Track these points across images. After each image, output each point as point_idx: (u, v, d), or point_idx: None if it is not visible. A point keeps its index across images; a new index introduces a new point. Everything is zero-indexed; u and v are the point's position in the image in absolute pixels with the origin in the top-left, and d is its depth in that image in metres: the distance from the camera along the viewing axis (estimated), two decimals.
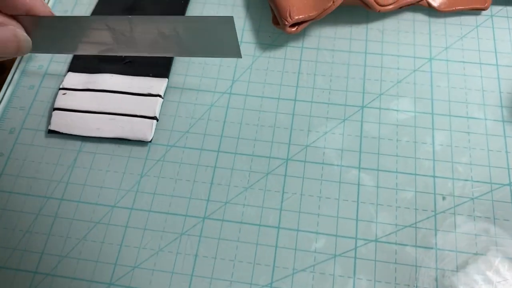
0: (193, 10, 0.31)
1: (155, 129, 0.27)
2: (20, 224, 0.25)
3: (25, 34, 0.23)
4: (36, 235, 0.24)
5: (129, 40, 0.24)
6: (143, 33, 0.24)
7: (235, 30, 0.23)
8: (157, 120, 0.26)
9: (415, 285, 0.22)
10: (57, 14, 0.30)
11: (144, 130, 0.26)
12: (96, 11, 0.31)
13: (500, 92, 0.27)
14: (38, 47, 0.25)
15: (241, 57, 0.24)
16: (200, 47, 0.24)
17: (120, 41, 0.24)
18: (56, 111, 0.27)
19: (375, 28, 0.30)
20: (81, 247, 0.24)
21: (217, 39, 0.23)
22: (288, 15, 0.27)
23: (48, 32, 0.24)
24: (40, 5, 0.24)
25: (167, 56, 0.27)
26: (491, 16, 0.30)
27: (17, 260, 0.24)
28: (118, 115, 0.26)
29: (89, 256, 0.24)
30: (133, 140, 0.26)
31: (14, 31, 0.23)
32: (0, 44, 0.22)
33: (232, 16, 0.22)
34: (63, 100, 0.27)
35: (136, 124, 0.26)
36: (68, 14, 0.31)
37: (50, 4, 0.32)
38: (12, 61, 0.30)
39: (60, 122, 0.27)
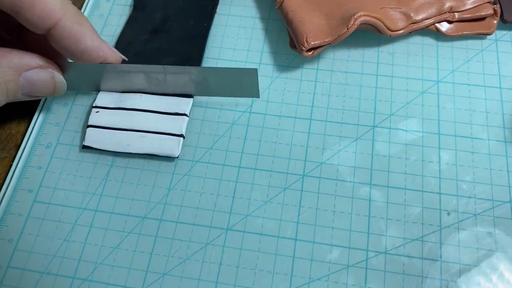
0: (215, 32, 0.33)
1: (182, 145, 0.29)
2: (58, 233, 0.27)
3: (61, 77, 0.26)
4: (74, 243, 0.27)
5: (161, 83, 0.27)
6: (175, 79, 0.27)
7: (257, 78, 0.27)
8: (184, 138, 0.29)
9: None
10: None
11: (172, 146, 0.28)
12: (124, 32, 0.33)
13: (503, 114, 0.29)
14: (72, 86, 0.27)
15: (259, 97, 0.27)
16: (225, 90, 0.27)
17: (153, 84, 0.27)
18: (89, 128, 0.29)
19: (385, 51, 0.31)
20: (115, 255, 0.26)
21: (241, 84, 0.27)
22: (305, 40, 0.29)
23: (84, 74, 0.27)
24: (110, 55, 0.26)
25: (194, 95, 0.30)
26: (496, 40, 0.31)
27: (57, 266, 0.26)
28: (147, 132, 0.28)
29: (122, 263, 0.26)
30: (161, 156, 0.28)
31: (52, 74, 0.25)
32: (39, 85, 0.25)
33: (256, 68, 0.26)
34: (96, 117, 0.29)
35: (165, 141, 0.28)
36: None
37: None
38: None
39: (93, 138, 0.29)
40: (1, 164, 0.29)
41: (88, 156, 0.29)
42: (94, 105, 0.30)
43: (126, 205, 0.27)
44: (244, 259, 0.26)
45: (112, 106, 0.29)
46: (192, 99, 0.30)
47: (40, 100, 0.31)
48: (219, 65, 0.32)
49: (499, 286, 0.24)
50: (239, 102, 0.30)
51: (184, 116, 0.29)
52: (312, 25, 0.29)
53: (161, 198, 0.28)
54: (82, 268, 0.26)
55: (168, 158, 0.29)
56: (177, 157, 0.28)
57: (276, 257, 0.26)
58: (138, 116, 0.29)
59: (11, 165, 0.29)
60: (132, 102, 0.29)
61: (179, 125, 0.29)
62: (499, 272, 0.25)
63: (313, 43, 0.29)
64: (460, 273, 0.25)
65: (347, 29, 0.29)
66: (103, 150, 0.29)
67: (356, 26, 0.28)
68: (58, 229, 0.27)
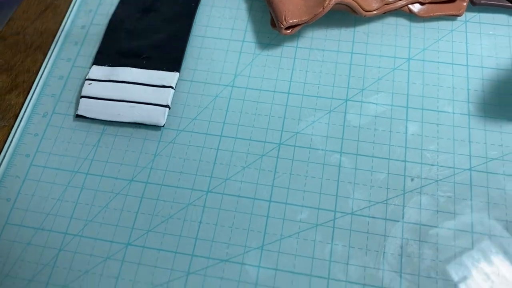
0: (202, 11, 0.35)
1: (167, 116, 0.31)
2: (52, 193, 0.29)
3: None
4: (66, 202, 0.29)
5: None
6: None
7: None
8: (169, 108, 0.31)
9: (383, 251, 0.26)
10: (81, 13, 0.34)
11: (158, 116, 0.30)
12: (117, 11, 0.35)
13: (468, 89, 0.31)
14: None
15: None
16: None
17: None
18: (83, 99, 0.31)
19: (361, 31, 0.33)
20: (103, 213, 0.28)
21: None
22: (283, 19, 0.31)
23: None
24: None
25: None
26: (465, 21, 0.33)
27: (51, 223, 0.28)
28: (136, 103, 0.31)
29: (110, 221, 0.28)
30: (148, 125, 0.30)
31: None
32: None
33: None
34: (88, 89, 0.31)
35: (152, 111, 0.30)
36: (92, 13, 0.36)
37: (76, 4, 0.36)
38: (44, 53, 0.35)
39: (86, 108, 0.31)
40: (1, 133, 0.32)
41: (81, 124, 0.31)
42: (87, 77, 0.32)
43: (115, 169, 0.30)
44: (222, 218, 0.28)
45: (103, 79, 0.32)
46: (178, 73, 0.32)
47: (37, 73, 0.33)
48: (205, 42, 0.34)
49: (457, 243, 0.26)
50: (222, 77, 0.32)
51: (170, 89, 0.31)
52: (291, 5, 0.31)
53: (148, 163, 0.30)
54: (74, 225, 0.28)
55: (155, 127, 0.31)
56: (163, 126, 0.30)
57: (252, 216, 0.28)
58: (128, 88, 0.31)
59: (9, 133, 0.31)
60: (122, 75, 0.32)
61: (166, 96, 0.31)
62: (455, 231, 0.27)
63: (291, 21, 0.31)
64: (420, 232, 0.27)
65: (323, 8, 0.30)
66: (95, 119, 0.31)
67: (331, 6, 0.30)
68: (52, 190, 0.29)
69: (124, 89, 0.31)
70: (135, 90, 0.31)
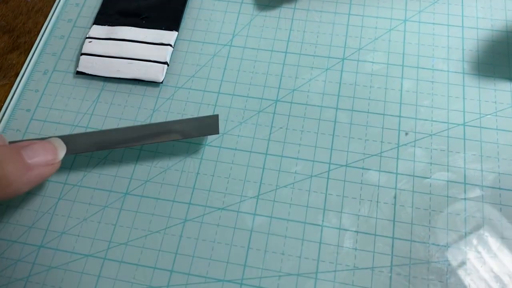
0: None
1: (166, 73, 0.31)
2: None
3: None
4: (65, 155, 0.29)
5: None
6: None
7: (218, 123, 0.28)
8: (168, 65, 0.31)
9: (377, 200, 0.27)
10: (63, 21, 0.34)
11: (157, 72, 0.31)
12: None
13: (463, 49, 0.31)
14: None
15: (218, 133, 0.28)
16: (189, 133, 0.27)
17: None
18: (83, 56, 0.32)
19: None
20: (102, 164, 0.29)
21: (205, 128, 0.28)
22: None
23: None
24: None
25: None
26: None
27: None
28: (135, 60, 0.31)
29: (109, 172, 0.29)
30: (147, 81, 0.31)
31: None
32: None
33: (217, 114, 0.28)
34: (89, 46, 0.32)
35: (150, 68, 0.31)
36: (74, 19, 0.35)
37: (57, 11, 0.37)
38: (45, 16, 0.35)
39: (86, 65, 0.31)
40: (2, 89, 0.32)
41: (81, 81, 0.32)
42: (87, 36, 0.32)
43: (114, 123, 0.30)
44: (219, 170, 0.28)
45: (103, 37, 0.32)
46: (177, 32, 0.32)
47: (38, 34, 0.34)
48: (203, 4, 0.34)
49: (450, 192, 0.27)
50: (220, 37, 0.33)
51: (169, 46, 0.31)
52: None
53: (146, 118, 0.30)
54: (73, 175, 0.29)
55: (153, 84, 0.31)
56: (161, 83, 0.31)
57: (248, 168, 0.28)
58: (127, 45, 0.32)
59: (11, 90, 0.32)
60: (122, 34, 0.32)
61: (164, 53, 0.31)
62: (448, 182, 0.27)
63: None
64: (413, 183, 0.27)
65: None
66: (95, 76, 0.31)
67: None
68: None
69: (124, 47, 0.32)
70: (135, 47, 0.31)
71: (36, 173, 0.24)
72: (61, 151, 0.26)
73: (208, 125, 0.28)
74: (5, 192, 0.23)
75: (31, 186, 0.24)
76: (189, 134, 0.27)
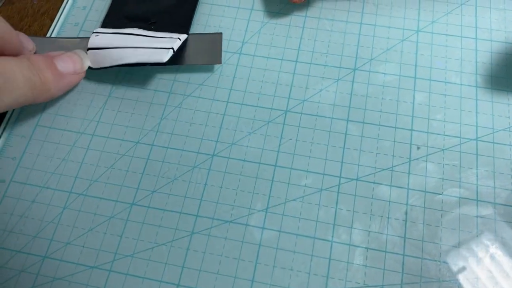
0: None
1: (174, 80, 0.31)
2: (57, 153, 0.29)
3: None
4: (71, 162, 0.29)
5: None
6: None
7: (221, 44, 0.29)
8: (174, 51, 0.30)
9: (388, 216, 0.27)
10: (69, 24, 0.34)
11: (161, 53, 0.29)
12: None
13: (476, 62, 0.31)
14: None
15: (220, 63, 0.29)
16: (189, 57, 0.28)
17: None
18: (89, 51, 0.31)
19: (370, 2, 0.33)
20: (109, 173, 0.28)
21: (205, 50, 0.28)
22: None
23: None
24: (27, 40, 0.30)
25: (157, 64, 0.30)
26: None
27: (55, 181, 0.28)
28: (140, 48, 0.30)
29: (115, 181, 0.28)
30: (151, 64, 0.29)
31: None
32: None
33: (221, 33, 0.29)
34: (95, 40, 0.31)
35: (154, 51, 0.30)
36: (81, 23, 0.35)
37: (63, 14, 0.36)
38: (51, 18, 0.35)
39: (93, 59, 0.31)
40: None
41: (87, 86, 0.31)
42: (94, 31, 0.32)
43: (121, 131, 0.30)
44: (227, 181, 0.28)
45: (110, 32, 0.31)
46: (186, 35, 0.32)
47: (45, 35, 0.33)
48: (213, 10, 0.34)
49: (462, 210, 0.26)
50: (230, 44, 0.32)
51: (177, 39, 0.31)
52: None
53: (154, 126, 0.30)
54: (78, 184, 0.28)
55: (161, 91, 0.31)
56: (165, 63, 0.29)
57: (257, 180, 0.28)
58: (133, 37, 0.31)
59: None
60: (129, 30, 0.31)
61: (172, 42, 0.30)
62: (460, 198, 0.27)
63: None
64: (425, 199, 0.27)
65: None
66: (102, 82, 0.31)
67: None
68: (57, 150, 0.29)
69: (130, 39, 0.31)
70: (141, 39, 0.30)
71: (67, 80, 0.29)
72: (86, 61, 0.30)
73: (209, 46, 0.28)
74: (45, 96, 0.27)
75: (62, 92, 0.29)
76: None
